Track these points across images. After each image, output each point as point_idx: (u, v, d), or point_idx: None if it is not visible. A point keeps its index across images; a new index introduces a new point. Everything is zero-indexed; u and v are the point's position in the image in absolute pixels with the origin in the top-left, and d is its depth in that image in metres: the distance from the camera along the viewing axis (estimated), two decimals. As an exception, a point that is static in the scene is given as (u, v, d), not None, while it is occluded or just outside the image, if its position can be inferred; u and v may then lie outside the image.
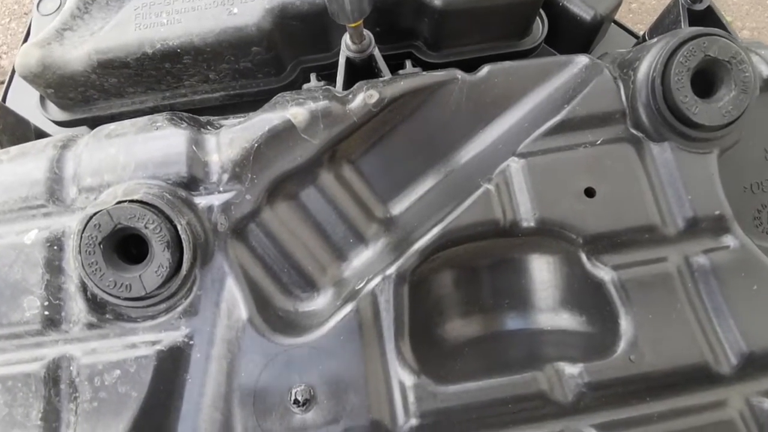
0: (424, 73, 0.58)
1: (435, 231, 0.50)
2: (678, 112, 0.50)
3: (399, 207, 0.57)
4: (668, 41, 0.51)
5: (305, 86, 0.65)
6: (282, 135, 0.52)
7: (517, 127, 0.55)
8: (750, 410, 0.43)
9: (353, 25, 0.57)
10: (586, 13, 0.70)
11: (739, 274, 0.47)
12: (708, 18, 0.66)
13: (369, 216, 0.56)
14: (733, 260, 0.48)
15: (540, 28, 0.71)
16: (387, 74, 0.63)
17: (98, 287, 0.47)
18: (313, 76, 0.67)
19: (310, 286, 0.53)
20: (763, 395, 0.43)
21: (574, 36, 0.72)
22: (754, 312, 0.46)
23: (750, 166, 0.57)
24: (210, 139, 0.52)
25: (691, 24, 0.66)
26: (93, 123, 0.69)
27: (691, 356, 0.45)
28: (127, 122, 0.56)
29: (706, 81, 0.52)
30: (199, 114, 0.58)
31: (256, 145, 0.51)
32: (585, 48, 0.75)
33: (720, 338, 0.45)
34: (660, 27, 0.71)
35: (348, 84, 0.63)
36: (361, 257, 0.54)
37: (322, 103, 0.53)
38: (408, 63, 0.67)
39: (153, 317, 0.48)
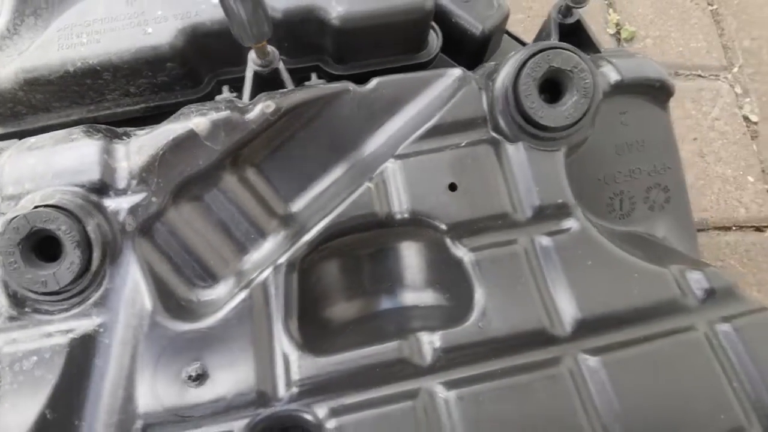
0: (320, 85, 0.65)
1: (322, 224, 0.58)
2: (527, 117, 0.58)
3: (298, 204, 0.64)
4: (521, 54, 0.60)
5: (217, 98, 0.71)
6: (185, 143, 0.58)
7: (399, 132, 0.63)
8: (576, 366, 0.51)
9: (256, 45, 0.64)
10: (474, 29, 0.78)
11: (577, 252, 0.56)
12: (577, 31, 0.75)
13: (270, 213, 0.62)
14: (572, 240, 0.56)
15: (435, 41, 0.79)
16: (290, 86, 0.69)
17: (17, 284, 0.53)
18: (225, 89, 0.73)
19: (212, 278, 0.59)
20: (588, 353, 0.51)
21: (467, 48, 0.81)
22: (587, 284, 0.54)
23: (603, 160, 0.66)
24: (120, 149, 0.58)
25: (561, 37, 0.75)
26: (22, 136, 0.74)
27: (531, 322, 0.53)
28: (46, 135, 0.61)
29: (555, 88, 0.61)
30: (124, 125, 0.64)
31: (161, 152, 0.57)
32: (480, 57, 0.83)
33: (557, 306, 0.53)
34: (539, 40, 0.79)
35: (255, 95, 0.70)
36: (261, 250, 0.61)
37: (224, 114, 0.60)
38: (314, 76, 0.74)
39: (67, 309, 0.54)
